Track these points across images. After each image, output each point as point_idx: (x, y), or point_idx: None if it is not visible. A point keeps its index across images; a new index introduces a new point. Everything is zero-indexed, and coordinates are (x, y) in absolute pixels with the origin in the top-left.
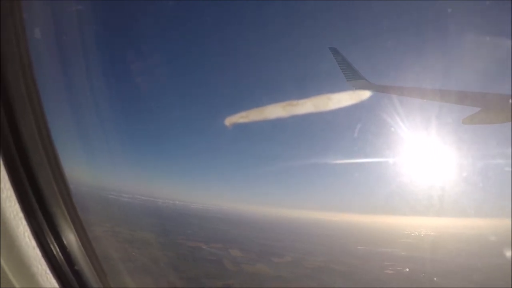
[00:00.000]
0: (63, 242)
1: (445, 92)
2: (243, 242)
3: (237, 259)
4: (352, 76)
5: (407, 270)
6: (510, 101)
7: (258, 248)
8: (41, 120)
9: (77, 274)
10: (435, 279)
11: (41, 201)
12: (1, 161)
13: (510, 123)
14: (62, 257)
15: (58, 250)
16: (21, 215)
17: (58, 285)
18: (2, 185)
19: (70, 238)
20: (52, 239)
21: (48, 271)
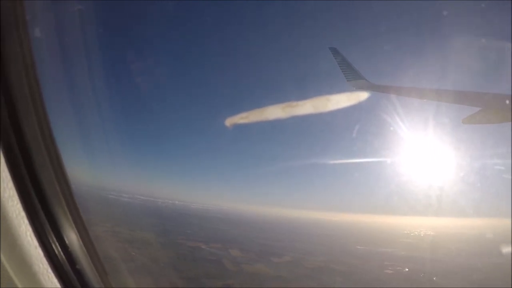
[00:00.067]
0: (64, 241)
1: (445, 92)
2: (243, 242)
3: (237, 259)
4: (352, 76)
5: (407, 270)
6: (510, 101)
7: (258, 248)
8: (43, 120)
9: (79, 273)
10: (434, 279)
11: (43, 201)
12: (4, 160)
13: (510, 123)
14: (63, 256)
15: (59, 249)
16: (23, 214)
17: (60, 284)
18: (5, 184)
19: (72, 237)
20: (54, 239)
21: (50, 270)
